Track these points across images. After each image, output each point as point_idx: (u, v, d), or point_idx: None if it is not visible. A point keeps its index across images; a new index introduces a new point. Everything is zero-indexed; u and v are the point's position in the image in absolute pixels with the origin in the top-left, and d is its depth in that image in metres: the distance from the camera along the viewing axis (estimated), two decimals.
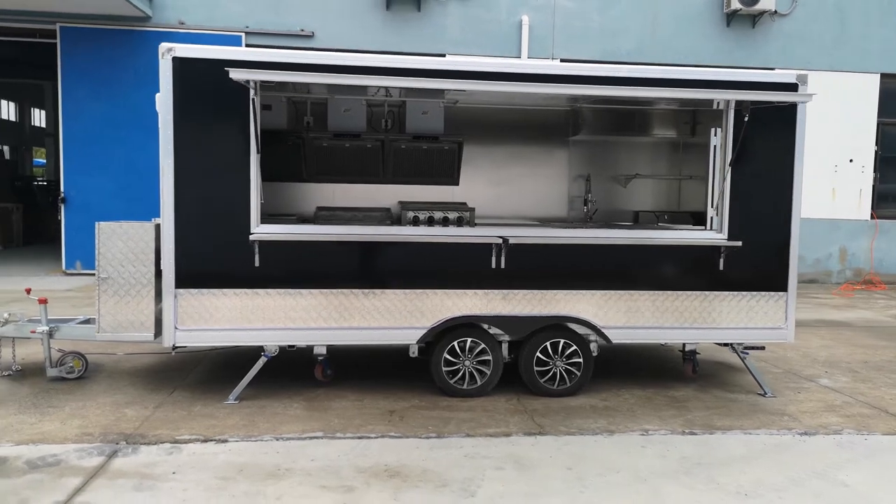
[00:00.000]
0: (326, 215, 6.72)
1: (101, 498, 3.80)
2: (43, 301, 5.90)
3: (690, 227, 6.31)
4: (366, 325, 5.53)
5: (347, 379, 6.02)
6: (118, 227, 5.45)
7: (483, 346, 5.72)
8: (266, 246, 5.36)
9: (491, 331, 5.73)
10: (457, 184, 7.45)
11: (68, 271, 12.12)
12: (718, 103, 5.92)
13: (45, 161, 29.36)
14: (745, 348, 6.45)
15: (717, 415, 5.45)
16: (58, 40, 11.69)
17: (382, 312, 5.54)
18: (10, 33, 12.46)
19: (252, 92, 5.18)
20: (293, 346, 5.57)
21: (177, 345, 5.36)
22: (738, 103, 5.64)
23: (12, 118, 31.61)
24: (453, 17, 12.26)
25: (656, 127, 7.60)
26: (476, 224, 6.56)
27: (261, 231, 5.34)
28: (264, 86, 5.75)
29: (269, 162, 7.06)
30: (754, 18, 12.87)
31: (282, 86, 6.32)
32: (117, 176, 11.86)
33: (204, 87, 5.13)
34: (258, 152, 5.28)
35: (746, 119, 5.51)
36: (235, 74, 4.56)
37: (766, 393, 5.98)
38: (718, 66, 12.94)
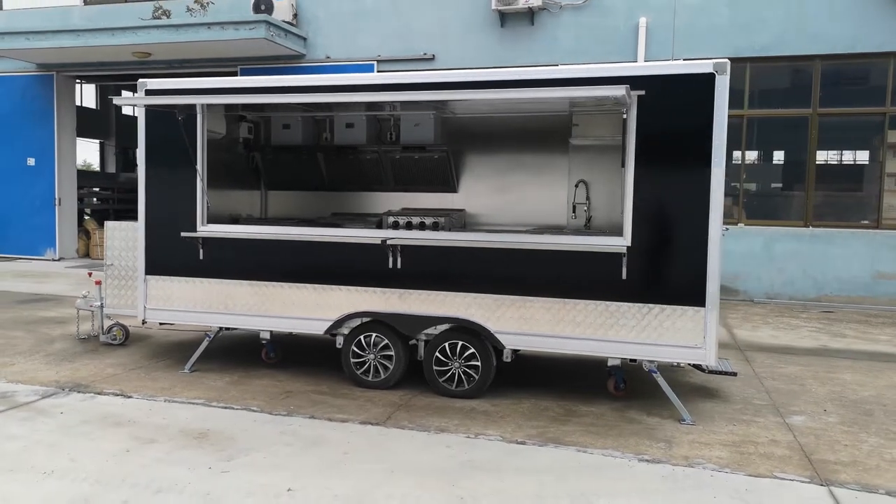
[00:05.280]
0: (332, 220, 7.55)
1: None
2: (98, 283, 7.67)
3: (594, 233, 5.87)
4: (284, 314, 6.24)
5: (298, 364, 6.76)
6: (118, 225, 6.94)
7: (386, 341, 6.05)
8: (207, 242, 6.39)
9: (393, 328, 6.03)
10: (455, 191, 7.79)
11: None
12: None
13: None
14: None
15: (586, 432, 5.07)
16: None
17: (297, 304, 6.20)
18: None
19: (198, 115, 6.28)
20: (231, 329, 6.51)
21: (146, 320, 6.65)
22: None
23: None
24: (566, 26, 12.20)
25: None
26: (476, 230, 6.93)
27: (203, 230, 6.39)
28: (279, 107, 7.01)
29: (289, 174, 8.22)
30: None
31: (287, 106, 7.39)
32: None
33: (159, 113, 6.34)
34: (196, 164, 6.32)
35: (625, 116, 5.08)
36: (117, 101, 5.69)
37: (684, 419, 5.33)
38: (887, 53, 10.93)
